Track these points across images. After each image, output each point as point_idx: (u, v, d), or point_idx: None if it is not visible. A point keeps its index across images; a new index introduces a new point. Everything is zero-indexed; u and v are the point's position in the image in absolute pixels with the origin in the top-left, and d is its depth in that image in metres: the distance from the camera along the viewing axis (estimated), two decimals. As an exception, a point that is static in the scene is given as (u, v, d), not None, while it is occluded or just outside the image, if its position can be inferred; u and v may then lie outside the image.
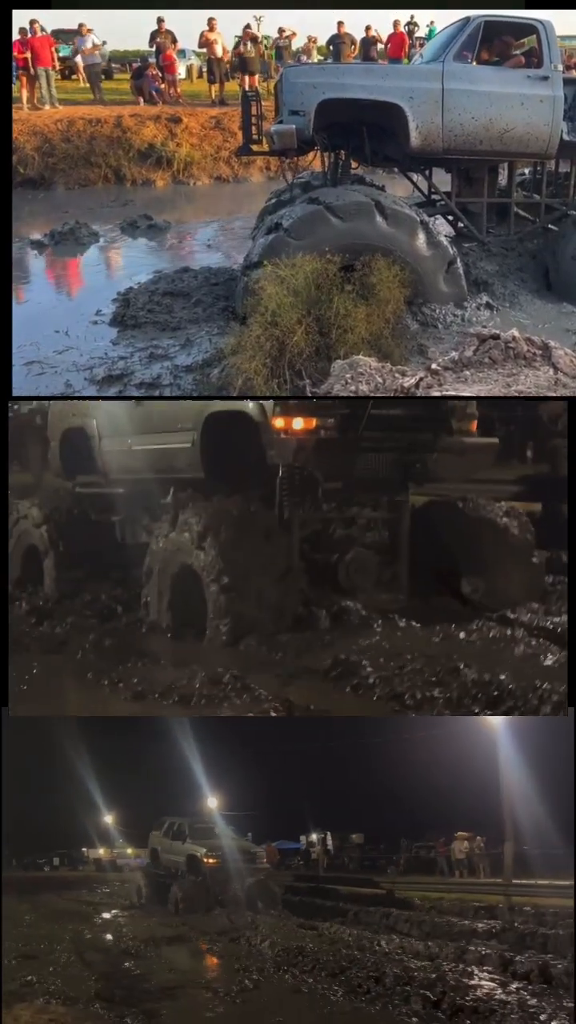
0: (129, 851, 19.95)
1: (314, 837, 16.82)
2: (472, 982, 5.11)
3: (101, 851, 20.53)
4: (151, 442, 7.47)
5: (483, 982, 5.20)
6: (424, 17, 25.26)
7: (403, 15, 24.03)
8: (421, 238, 8.71)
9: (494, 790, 12.98)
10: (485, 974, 5.43)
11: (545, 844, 12.27)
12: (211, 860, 9.76)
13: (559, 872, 10.12)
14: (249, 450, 6.31)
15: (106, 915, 9.99)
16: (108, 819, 20.37)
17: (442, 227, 10.22)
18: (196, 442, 6.68)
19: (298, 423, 5.83)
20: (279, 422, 5.87)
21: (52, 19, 24.29)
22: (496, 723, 11.95)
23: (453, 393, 4.88)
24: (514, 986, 5.13)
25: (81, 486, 8.67)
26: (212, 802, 12.93)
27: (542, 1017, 4.42)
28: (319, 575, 6.43)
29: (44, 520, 8.39)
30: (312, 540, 6.43)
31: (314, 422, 5.78)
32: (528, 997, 4.86)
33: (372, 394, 5.00)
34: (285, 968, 5.73)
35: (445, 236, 9.38)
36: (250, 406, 6.20)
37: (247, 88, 18.83)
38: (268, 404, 6.07)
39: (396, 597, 6.50)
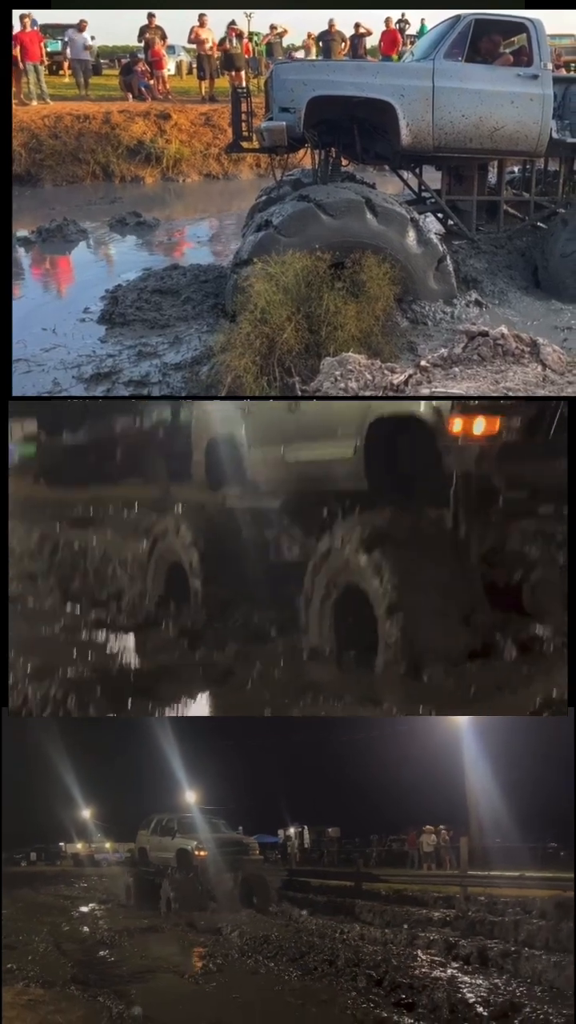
0: (108, 846, 19.95)
1: (292, 831, 17.00)
2: (414, 964, 5.73)
3: (79, 846, 20.29)
4: (307, 450, 6.54)
5: (424, 964, 5.79)
6: (415, 15, 25.32)
7: (395, 13, 24.03)
8: (412, 236, 8.70)
9: (459, 786, 14.03)
10: (427, 956, 6.00)
11: (505, 837, 12.90)
12: (201, 852, 9.63)
13: (515, 864, 10.78)
14: (420, 457, 5.45)
15: (83, 909, 10.16)
16: (86, 813, 20.21)
17: (432, 225, 10.23)
18: (359, 449, 5.74)
19: (479, 427, 4.95)
20: (456, 425, 4.96)
21: (47, 15, 24.11)
22: (461, 722, 13.04)
23: (442, 390, 4.88)
24: (452, 967, 5.75)
25: (230, 499, 7.62)
26: (191, 796, 12.94)
27: (464, 990, 5.08)
28: (501, 597, 5.46)
29: (193, 537, 7.41)
30: (493, 558, 5.49)
31: (497, 424, 4.90)
32: (459, 975, 5.53)
33: (361, 392, 4.99)
34: (249, 954, 6.20)
35: (435, 234, 9.38)
36: (421, 408, 5.23)
37: (237, 84, 18.76)
38: (444, 405, 5.12)
39: None
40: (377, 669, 5.28)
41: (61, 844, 20.82)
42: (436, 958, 5.96)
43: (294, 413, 6.58)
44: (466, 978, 5.41)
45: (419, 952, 6.11)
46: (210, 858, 9.63)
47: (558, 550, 5.40)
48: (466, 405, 5.03)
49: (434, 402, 5.23)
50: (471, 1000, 4.80)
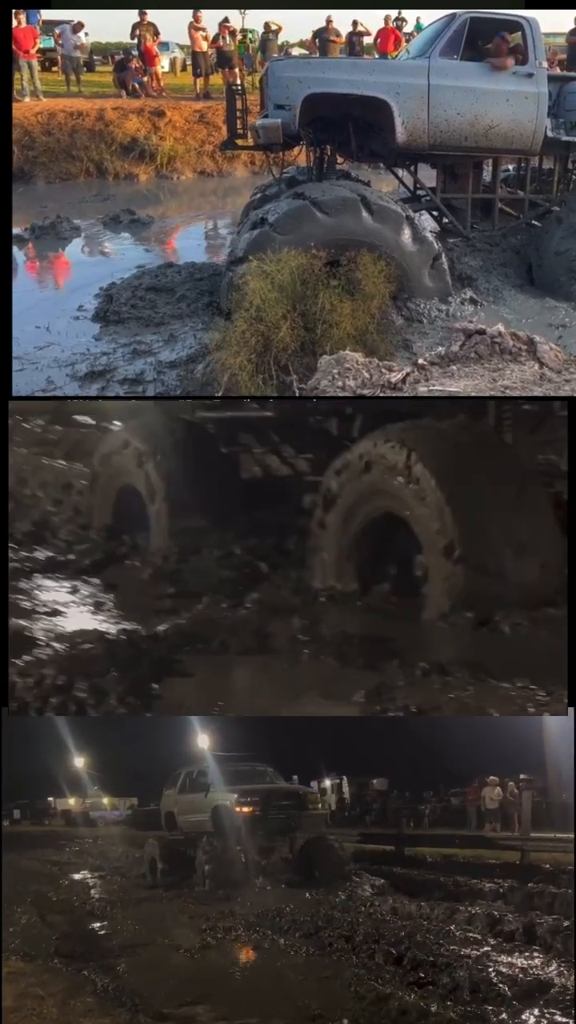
0: (105, 801, 17.17)
1: (327, 783, 13.65)
2: (443, 940, 4.99)
3: (71, 801, 17.19)
4: (194, 817, 7.96)
5: (456, 940, 5.06)
6: (410, 13, 25.28)
7: (392, 11, 24.01)
8: (407, 233, 8.70)
9: (535, 731, 11.47)
10: (462, 933, 5.26)
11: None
12: (245, 808, 7.50)
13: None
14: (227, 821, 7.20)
15: (75, 876, 8.82)
16: (79, 762, 16.96)
17: (427, 223, 10.22)
18: (209, 817, 7.76)
19: (245, 809, 7.16)
20: (237, 809, 7.28)
21: (46, 12, 23.96)
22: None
23: (440, 389, 4.87)
24: (488, 945, 4.98)
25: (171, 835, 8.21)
26: (203, 740, 10.48)
27: (492, 969, 4.43)
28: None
29: (150, 454, 6.24)
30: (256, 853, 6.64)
31: (250, 809, 7.11)
32: (494, 953, 4.79)
33: (359, 390, 4.97)
34: (256, 928, 5.63)
35: (430, 232, 9.37)
36: (227, 802, 7.52)
37: (231, 82, 18.72)
38: (232, 800, 7.37)
39: None
40: (425, 621, 4.36)
41: (50, 800, 17.78)
42: (472, 934, 5.26)
43: None
44: (502, 956, 4.73)
45: (453, 928, 5.41)
46: (257, 816, 7.50)
47: None
48: None
49: None
50: (494, 980, 4.25)
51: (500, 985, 4.18)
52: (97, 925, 6.26)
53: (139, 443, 6.04)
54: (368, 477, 4.38)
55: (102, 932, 6.02)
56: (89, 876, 9.02)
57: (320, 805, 8.20)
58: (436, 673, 4.11)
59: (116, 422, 6.54)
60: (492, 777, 11.60)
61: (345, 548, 4.76)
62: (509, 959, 4.67)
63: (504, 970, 4.42)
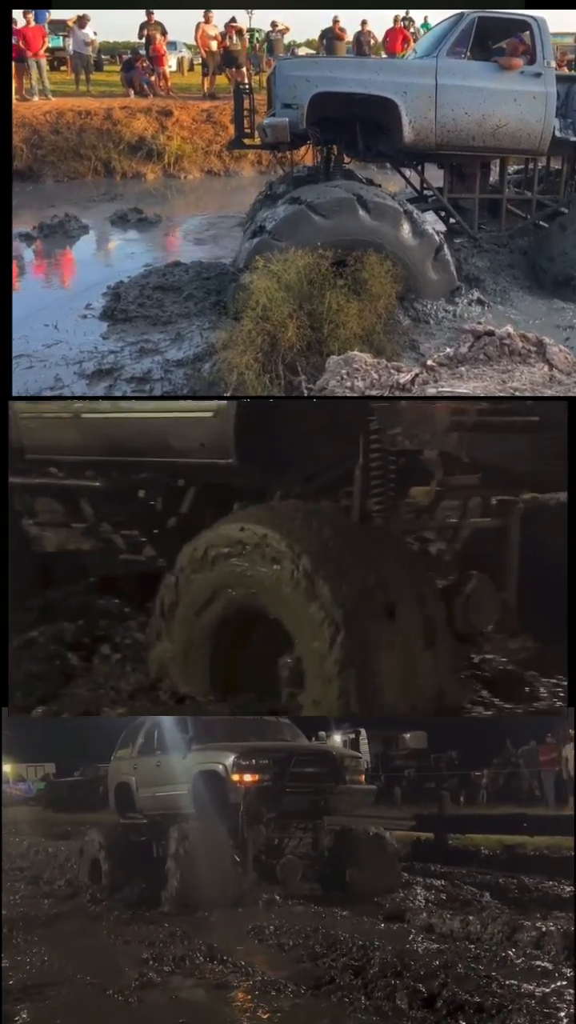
0: (7, 770, 12.13)
1: (337, 738, 9.67)
2: (496, 973, 3.60)
3: None
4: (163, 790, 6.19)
5: (518, 971, 3.73)
6: (418, 14, 25.27)
7: (399, 12, 24.01)
8: (406, 228, 8.70)
9: None
10: (524, 961, 3.86)
11: None
12: (248, 776, 5.21)
13: None
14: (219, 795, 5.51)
15: None
16: None
17: (428, 218, 10.20)
18: (190, 789, 5.60)
19: (247, 778, 5.23)
20: (236, 777, 5.28)
21: (54, 14, 24.03)
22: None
23: (448, 390, 4.88)
24: (564, 978, 3.57)
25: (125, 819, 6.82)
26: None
27: (563, 1016, 3.10)
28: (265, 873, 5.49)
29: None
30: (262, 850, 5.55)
31: (256, 777, 5.24)
32: (572, 990, 3.42)
33: (367, 390, 4.98)
34: (223, 957, 4.09)
35: (430, 225, 9.38)
36: (219, 767, 5.38)
37: (239, 81, 18.74)
38: (228, 764, 5.23)
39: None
40: None
41: None
42: (540, 963, 3.80)
43: (161, 766, 5.93)
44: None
45: (512, 953, 3.94)
46: (265, 790, 5.16)
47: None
48: (241, 765, 5.09)
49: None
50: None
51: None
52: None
53: None
54: (226, 564, 3.70)
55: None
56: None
57: (364, 775, 5.93)
58: None
59: None
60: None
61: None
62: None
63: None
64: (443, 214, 10.62)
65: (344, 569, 3.47)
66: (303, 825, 5.61)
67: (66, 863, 6.83)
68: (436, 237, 8.97)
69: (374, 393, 4.92)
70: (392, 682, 3.47)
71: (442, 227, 10.46)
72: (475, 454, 3.83)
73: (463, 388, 4.86)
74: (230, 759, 5.26)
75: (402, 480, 4.02)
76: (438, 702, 3.63)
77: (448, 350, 5.74)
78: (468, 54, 9.33)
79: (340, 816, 5.74)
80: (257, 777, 5.22)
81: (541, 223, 10.50)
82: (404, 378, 5.02)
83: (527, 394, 4.94)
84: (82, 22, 22.61)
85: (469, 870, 6.12)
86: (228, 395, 7.02)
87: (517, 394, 4.89)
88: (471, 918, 4.60)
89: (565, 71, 13.93)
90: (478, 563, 4.18)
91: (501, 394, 4.88)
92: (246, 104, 10.64)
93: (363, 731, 10.17)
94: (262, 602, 3.67)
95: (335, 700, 3.45)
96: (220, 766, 5.30)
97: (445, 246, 9.07)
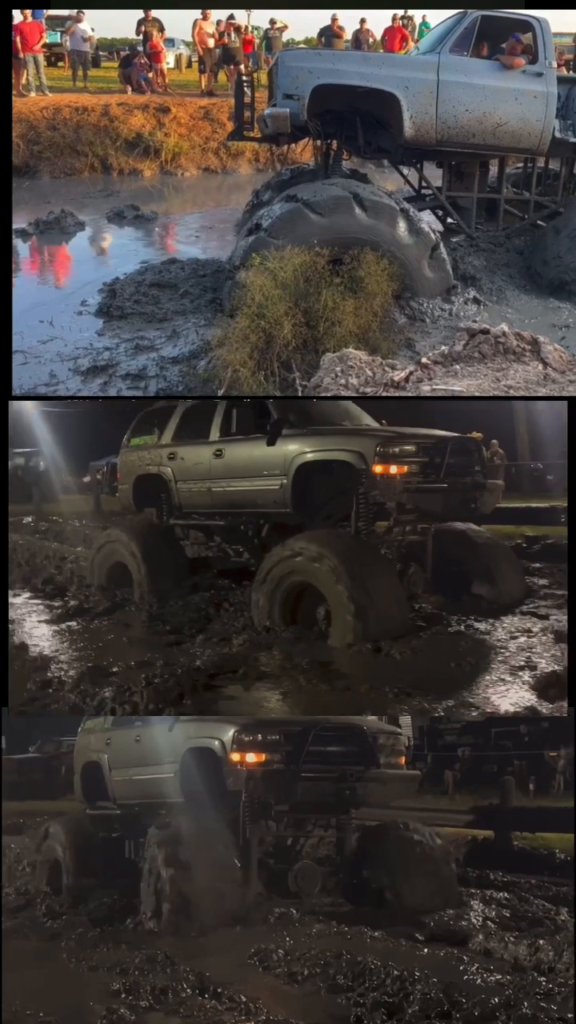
0: None
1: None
2: (569, 1015, 2.92)
3: None
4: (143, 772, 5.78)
5: None
6: (417, 13, 25.25)
7: (398, 11, 23.99)
8: (402, 226, 8.67)
9: None
10: None
11: None
12: (252, 756, 4.51)
13: None
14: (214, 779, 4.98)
15: None
16: None
17: (424, 217, 10.17)
18: (177, 772, 5.06)
19: (251, 758, 4.54)
20: (236, 757, 4.59)
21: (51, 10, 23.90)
22: None
23: (443, 388, 4.84)
24: None
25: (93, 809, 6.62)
26: None
27: None
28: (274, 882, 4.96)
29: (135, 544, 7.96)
30: (270, 853, 5.00)
31: (263, 757, 4.56)
32: None
33: (362, 388, 4.94)
34: (218, 990, 3.29)
35: (426, 224, 9.35)
36: (215, 743, 4.86)
37: (240, 75, 18.68)
38: (227, 740, 4.75)
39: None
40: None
41: None
42: None
43: (140, 744, 5.75)
44: None
45: None
46: (274, 774, 4.41)
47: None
48: (243, 741, 4.63)
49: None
50: None
51: None
52: None
53: (126, 537, 8.00)
54: (290, 563, 6.04)
55: None
56: None
57: (405, 756, 5.09)
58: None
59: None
60: None
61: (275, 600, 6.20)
62: None
63: None
64: (440, 213, 10.58)
65: (351, 561, 5.78)
66: (324, 821, 4.63)
67: (16, 866, 5.66)
68: (432, 235, 8.95)
69: (369, 391, 4.89)
70: (377, 612, 5.62)
71: (439, 226, 10.43)
72: (413, 503, 6.20)
73: (457, 386, 4.83)
74: (229, 733, 4.45)
75: (374, 518, 6.36)
76: (402, 617, 5.84)
77: (443, 348, 5.71)
78: (470, 52, 9.31)
79: (373, 809, 4.73)
80: (264, 757, 4.40)
81: (539, 222, 10.47)
82: (399, 376, 4.99)
83: (521, 392, 4.92)
84: (78, 17, 22.54)
85: (539, 879, 4.96)
86: (222, 393, 6.99)
87: (511, 392, 4.86)
88: (541, 943, 3.65)
89: (564, 71, 13.90)
90: (413, 558, 6.75)
91: (495, 392, 4.85)
92: (247, 96, 10.59)
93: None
94: (309, 581, 5.91)
95: (349, 628, 5.52)
96: (216, 742, 4.49)
97: (441, 244, 9.04)
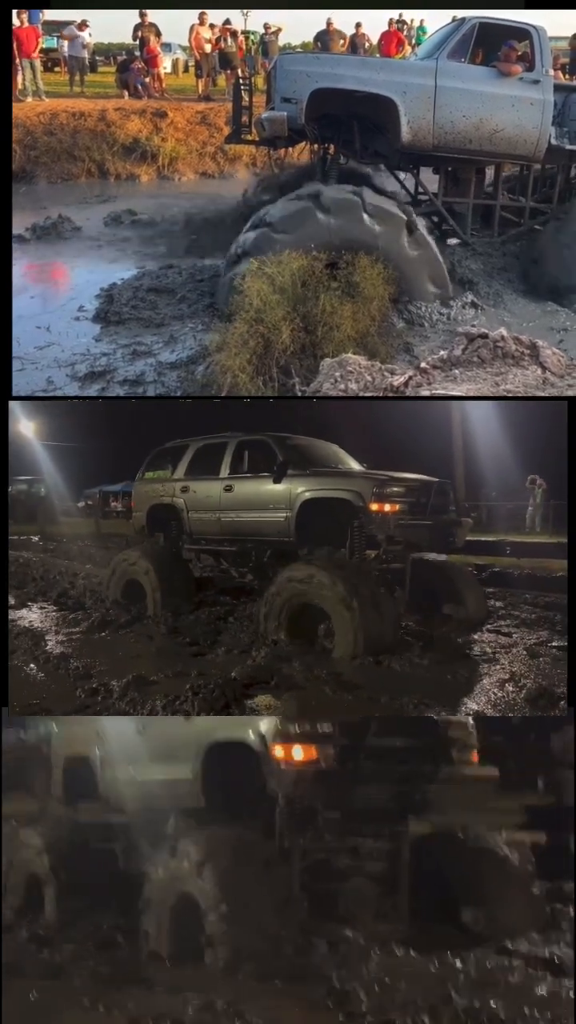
0: None
1: None
2: None
3: None
4: (156, 771, 5.31)
5: None
6: (413, 18, 25.32)
7: (394, 14, 24.05)
8: (406, 233, 8.75)
9: None
10: None
11: None
12: (301, 751, 4.14)
13: None
14: (250, 780, 4.55)
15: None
16: None
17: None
18: (198, 774, 4.72)
19: (298, 753, 4.01)
20: (279, 751, 4.08)
21: (46, 12, 23.92)
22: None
23: (442, 392, 4.84)
24: None
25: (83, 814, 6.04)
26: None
27: None
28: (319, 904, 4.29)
29: (151, 566, 8.63)
30: (312, 869, 4.38)
31: (314, 752, 4.00)
32: None
33: (361, 393, 4.95)
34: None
35: (424, 226, 9.42)
36: (251, 736, 4.32)
37: (239, 78, 18.72)
38: (268, 732, 4.20)
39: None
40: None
41: None
42: None
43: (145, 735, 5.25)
44: None
45: None
46: (322, 774, 4.04)
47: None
48: (286, 733, 4.11)
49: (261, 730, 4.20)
50: None
51: None
52: None
53: (142, 558, 8.69)
54: (298, 585, 6.63)
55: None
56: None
57: (476, 751, 4.49)
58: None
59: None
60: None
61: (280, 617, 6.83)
62: None
63: None
64: (436, 219, 10.60)
65: (351, 581, 6.38)
66: (381, 830, 3.91)
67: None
68: (433, 247, 9.09)
69: (368, 395, 4.89)
70: (379, 629, 6.25)
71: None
72: (402, 536, 6.87)
73: (456, 391, 4.83)
74: (270, 723, 3.77)
75: (366, 547, 6.99)
76: (395, 634, 6.47)
77: (442, 352, 5.71)
78: (468, 58, 9.33)
79: (440, 816, 4.04)
80: (315, 753, 3.74)
81: (536, 227, 10.49)
82: (398, 380, 4.99)
83: (520, 395, 4.92)
84: (81, 26, 22.60)
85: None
86: (223, 396, 6.99)
87: (510, 395, 4.86)
88: None
89: (560, 76, 13.93)
90: (396, 583, 7.10)
91: (494, 395, 4.86)
92: (245, 99, 10.61)
93: None
94: (313, 600, 6.50)
95: (351, 641, 6.13)
96: (252, 734, 3.85)
97: (439, 254, 9.15)
